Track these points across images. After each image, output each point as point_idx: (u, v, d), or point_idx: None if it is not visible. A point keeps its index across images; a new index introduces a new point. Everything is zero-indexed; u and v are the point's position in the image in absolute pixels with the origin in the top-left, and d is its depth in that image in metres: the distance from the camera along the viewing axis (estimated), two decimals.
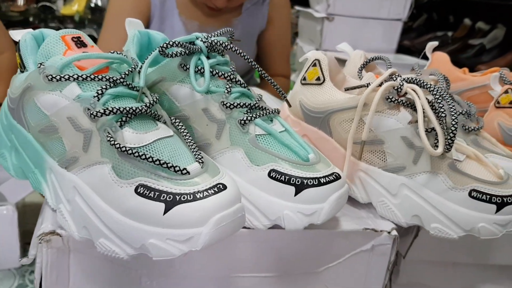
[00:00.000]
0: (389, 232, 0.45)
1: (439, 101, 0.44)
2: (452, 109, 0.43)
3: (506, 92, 0.62)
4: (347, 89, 0.48)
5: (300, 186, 0.39)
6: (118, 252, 0.34)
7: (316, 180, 0.40)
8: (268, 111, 0.44)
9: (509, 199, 0.43)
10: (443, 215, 0.44)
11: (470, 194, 0.43)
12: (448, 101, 0.43)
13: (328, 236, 0.45)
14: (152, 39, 0.50)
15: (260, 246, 0.44)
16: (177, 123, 0.40)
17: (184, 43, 0.42)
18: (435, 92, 0.44)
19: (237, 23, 1.19)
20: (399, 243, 0.51)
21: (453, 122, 0.42)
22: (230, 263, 0.44)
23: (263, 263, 0.45)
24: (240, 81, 0.45)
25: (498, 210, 0.43)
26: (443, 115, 0.43)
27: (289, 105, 0.51)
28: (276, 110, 0.46)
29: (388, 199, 0.46)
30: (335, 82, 0.55)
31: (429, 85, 0.45)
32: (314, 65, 0.51)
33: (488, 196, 0.43)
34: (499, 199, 0.43)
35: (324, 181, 0.40)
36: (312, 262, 0.46)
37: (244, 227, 0.42)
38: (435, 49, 0.79)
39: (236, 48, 0.46)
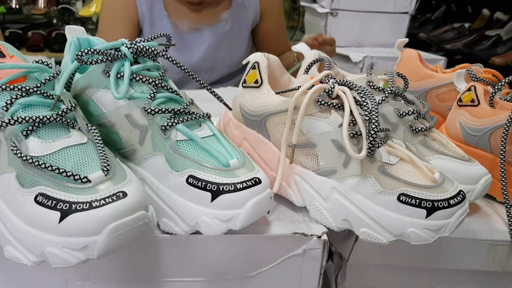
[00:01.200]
0: (319, 237, 0.45)
1: (365, 103, 0.43)
2: (373, 112, 0.42)
3: (469, 89, 0.60)
4: (278, 93, 0.47)
5: (216, 192, 0.39)
6: (22, 259, 0.35)
7: (233, 185, 0.39)
8: (196, 115, 0.44)
9: (441, 204, 0.42)
10: (371, 220, 0.43)
11: (398, 198, 0.42)
12: (373, 104, 0.42)
13: (257, 241, 0.44)
14: (92, 45, 0.51)
15: (187, 250, 0.44)
16: (92, 130, 0.40)
17: (105, 50, 0.42)
18: (362, 95, 0.43)
19: (228, 16, 1.20)
20: (342, 247, 0.51)
21: (373, 126, 0.41)
22: (157, 268, 0.44)
23: (193, 268, 0.45)
24: (168, 86, 0.45)
25: (428, 215, 0.42)
26: (366, 118, 0.42)
27: (229, 108, 0.51)
28: (207, 115, 0.46)
29: (320, 203, 0.46)
30: (280, 84, 0.54)
31: (357, 87, 0.44)
32: (254, 67, 0.51)
33: (417, 201, 0.42)
34: (429, 204, 0.42)
35: (241, 186, 0.40)
36: (243, 266, 0.46)
37: (167, 233, 0.42)
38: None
39: (165, 53, 0.46)
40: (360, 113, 0.43)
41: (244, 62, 0.52)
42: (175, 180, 0.41)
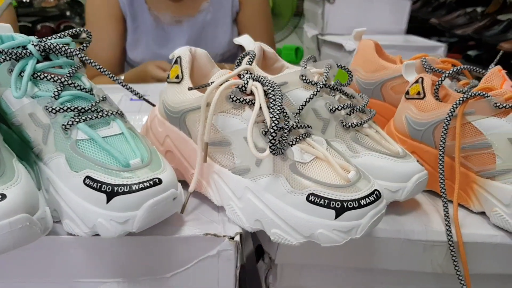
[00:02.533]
0: (232, 238, 0.43)
1: (272, 99, 0.41)
2: (275, 109, 0.40)
3: (416, 81, 0.57)
4: (190, 89, 0.45)
5: (110, 193, 0.38)
6: None
7: (128, 186, 0.38)
8: (104, 113, 0.43)
9: (350, 204, 0.40)
10: (282, 221, 0.41)
11: (307, 198, 0.40)
12: (278, 100, 0.40)
13: (168, 242, 0.43)
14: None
15: (95, 251, 0.43)
16: None
17: (7, 49, 0.42)
18: (270, 91, 0.41)
19: (208, 6, 1.19)
20: (269, 246, 0.49)
21: (273, 124, 0.39)
22: (66, 268, 0.44)
23: (102, 269, 0.44)
24: (77, 83, 0.44)
25: (337, 215, 0.40)
26: (270, 116, 0.40)
27: (152, 104, 0.50)
28: (118, 112, 0.45)
29: (234, 203, 0.44)
30: (208, 78, 0.53)
31: (267, 82, 0.42)
32: (176, 62, 0.49)
33: (326, 201, 0.40)
34: (338, 204, 0.40)
35: (137, 187, 0.38)
36: (157, 267, 0.45)
37: (70, 234, 0.42)
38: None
39: (73, 49, 0.45)
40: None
41: (170, 57, 0.51)
42: (74, 180, 0.40)
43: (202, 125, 0.44)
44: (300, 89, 0.52)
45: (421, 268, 0.50)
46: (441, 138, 0.50)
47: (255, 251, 0.55)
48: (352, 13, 1.78)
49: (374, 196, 0.41)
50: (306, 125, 0.45)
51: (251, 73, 0.45)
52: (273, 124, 0.39)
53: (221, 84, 0.43)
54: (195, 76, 0.51)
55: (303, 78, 0.51)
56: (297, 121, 0.45)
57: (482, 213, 0.51)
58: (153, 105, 0.50)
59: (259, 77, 0.43)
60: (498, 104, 0.48)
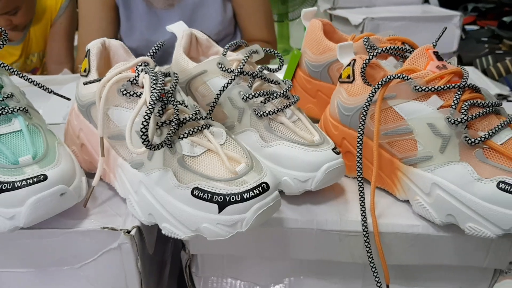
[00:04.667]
0: (128, 232, 0.44)
1: (151, 94, 0.40)
2: (150, 101, 0.39)
3: (349, 64, 0.54)
4: (85, 83, 0.45)
5: None
6: None
7: (11, 184, 0.39)
8: (5, 111, 0.44)
9: (233, 198, 0.39)
10: (170, 215, 0.41)
11: (192, 192, 0.40)
12: (155, 95, 0.39)
13: (68, 235, 0.44)
14: None
15: (3, 243, 0.45)
16: None
17: None
18: (153, 84, 0.41)
19: None
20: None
21: (143, 119, 0.38)
22: None
23: (13, 259, 0.46)
24: None
25: (220, 209, 0.39)
26: (146, 110, 0.40)
27: (66, 98, 0.50)
28: (20, 109, 0.45)
29: (132, 196, 0.45)
30: None
31: (152, 74, 0.42)
32: (86, 55, 0.49)
33: (209, 195, 0.39)
34: (221, 198, 0.39)
35: (20, 185, 0.39)
36: (65, 258, 0.46)
37: None
38: None
39: None
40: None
41: (86, 48, 0.51)
42: None
43: (99, 119, 0.44)
44: (219, 77, 0.51)
45: (341, 258, 0.49)
46: (359, 124, 0.48)
47: (181, 242, 0.55)
48: None
49: (260, 189, 0.40)
50: (206, 117, 0.44)
51: (146, 65, 0.44)
52: (143, 119, 0.38)
53: (112, 78, 0.43)
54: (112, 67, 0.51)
55: (220, 66, 0.50)
56: (195, 112, 0.44)
57: (407, 202, 0.49)
58: (68, 99, 0.51)
59: (149, 68, 0.43)
60: (417, 87, 0.46)
